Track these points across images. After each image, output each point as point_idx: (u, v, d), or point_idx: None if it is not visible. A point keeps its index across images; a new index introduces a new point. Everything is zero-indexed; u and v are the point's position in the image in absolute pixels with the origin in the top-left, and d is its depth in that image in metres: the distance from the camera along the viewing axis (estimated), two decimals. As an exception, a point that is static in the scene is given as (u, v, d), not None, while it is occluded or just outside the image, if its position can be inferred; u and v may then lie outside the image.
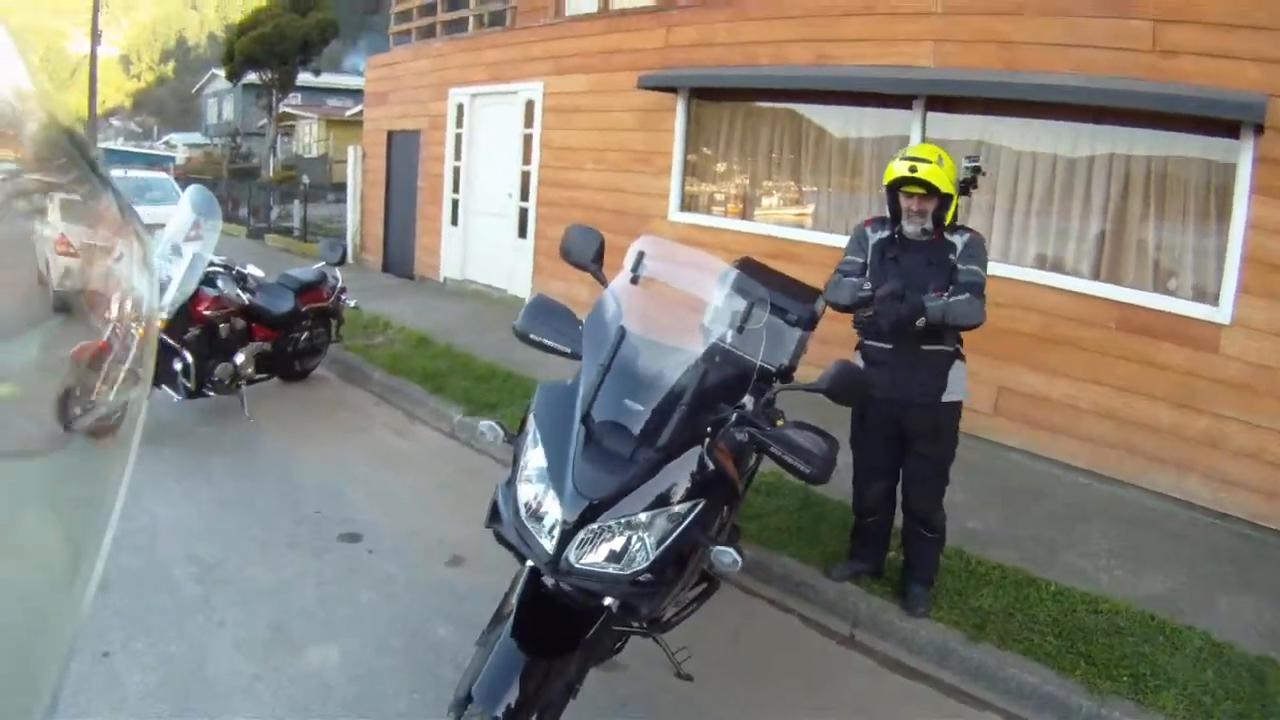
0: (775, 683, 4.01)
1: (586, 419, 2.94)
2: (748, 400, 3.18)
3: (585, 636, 2.91)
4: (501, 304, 11.74)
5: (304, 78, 31.66)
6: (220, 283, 7.12)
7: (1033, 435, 6.85)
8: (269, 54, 28.37)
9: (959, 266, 4.02)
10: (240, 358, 7.25)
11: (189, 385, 6.91)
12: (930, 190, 3.98)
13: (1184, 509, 6.10)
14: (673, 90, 9.33)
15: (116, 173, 15.55)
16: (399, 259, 14.47)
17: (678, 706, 3.71)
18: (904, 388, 4.13)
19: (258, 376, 7.57)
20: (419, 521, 5.54)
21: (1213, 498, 6.07)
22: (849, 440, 4.42)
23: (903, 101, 7.35)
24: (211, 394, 7.16)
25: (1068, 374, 6.73)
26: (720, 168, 9.47)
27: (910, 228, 4.11)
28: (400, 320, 10.25)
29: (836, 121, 8.31)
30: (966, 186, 4.28)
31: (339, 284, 8.24)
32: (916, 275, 4.02)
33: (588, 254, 3.52)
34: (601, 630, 2.96)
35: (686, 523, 2.85)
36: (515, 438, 3.16)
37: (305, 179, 23.95)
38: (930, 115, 7.25)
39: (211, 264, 7.14)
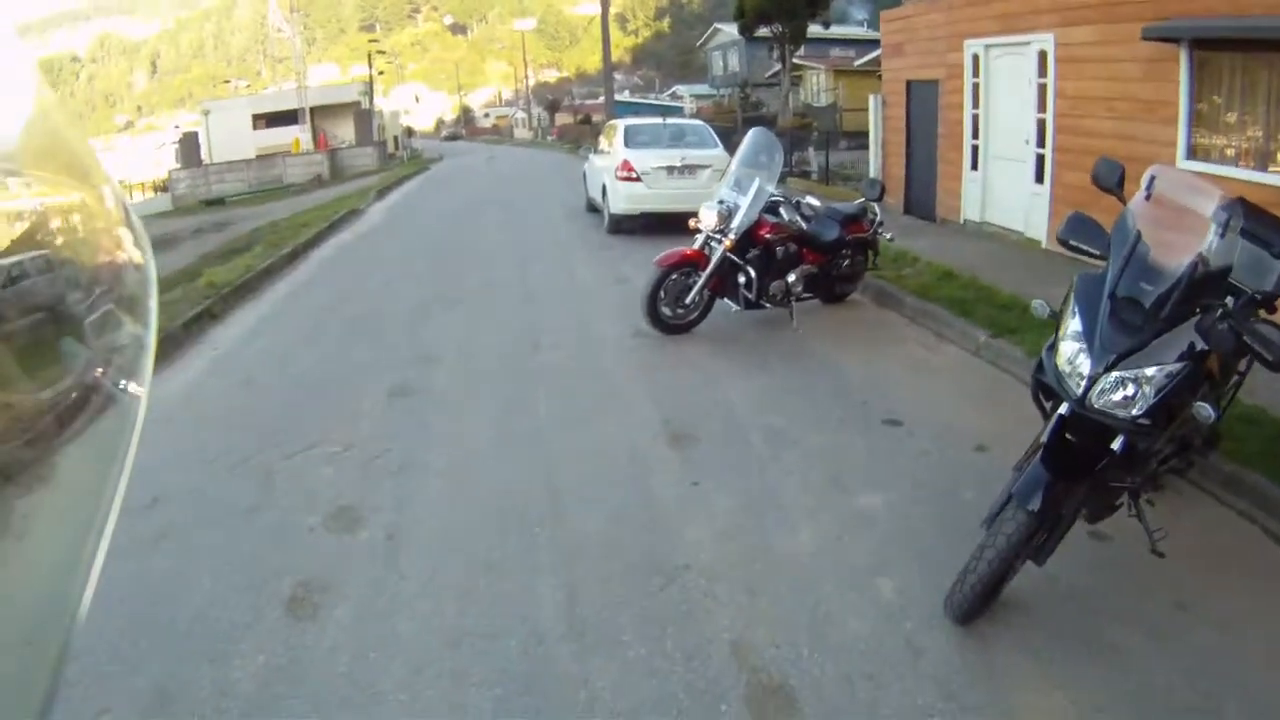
0: (1231, 576, 4.62)
1: (1112, 296, 3.98)
2: (1230, 301, 4.07)
3: (1095, 469, 3.94)
4: (1018, 246, 12.44)
5: (811, 29, 33.32)
6: (782, 210, 8.65)
7: None
8: (778, 9, 30.23)
9: None
10: (792, 276, 8.70)
11: (749, 297, 8.51)
12: None
13: None
14: (1175, 41, 9.46)
15: (654, 120, 17.54)
16: (920, 201, 15.53)
17: (1147, 574, 4.50)
18: None
19: (804, 295, 9.00)
20: (950, 416, 6.64)
21: None
22: None
23: None
24: (766, 306, 8.72)
25: None
26: (1225, 117, 9.48)
27: None
28: (925, 256, 11.31)
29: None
30: None
31: (878, 218, 9.43)
32: None
33: (1112, 180, 4.56)
34: (1108, 469, 3.96)
35: (1177, 380, 3.81)
36: (1057, 313, 4.28)
37: (816, 127, 25.60)
38: None
39: (772, 195, 8.56)
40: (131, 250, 1.21)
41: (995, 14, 13.03)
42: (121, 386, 1.12)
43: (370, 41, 65.54)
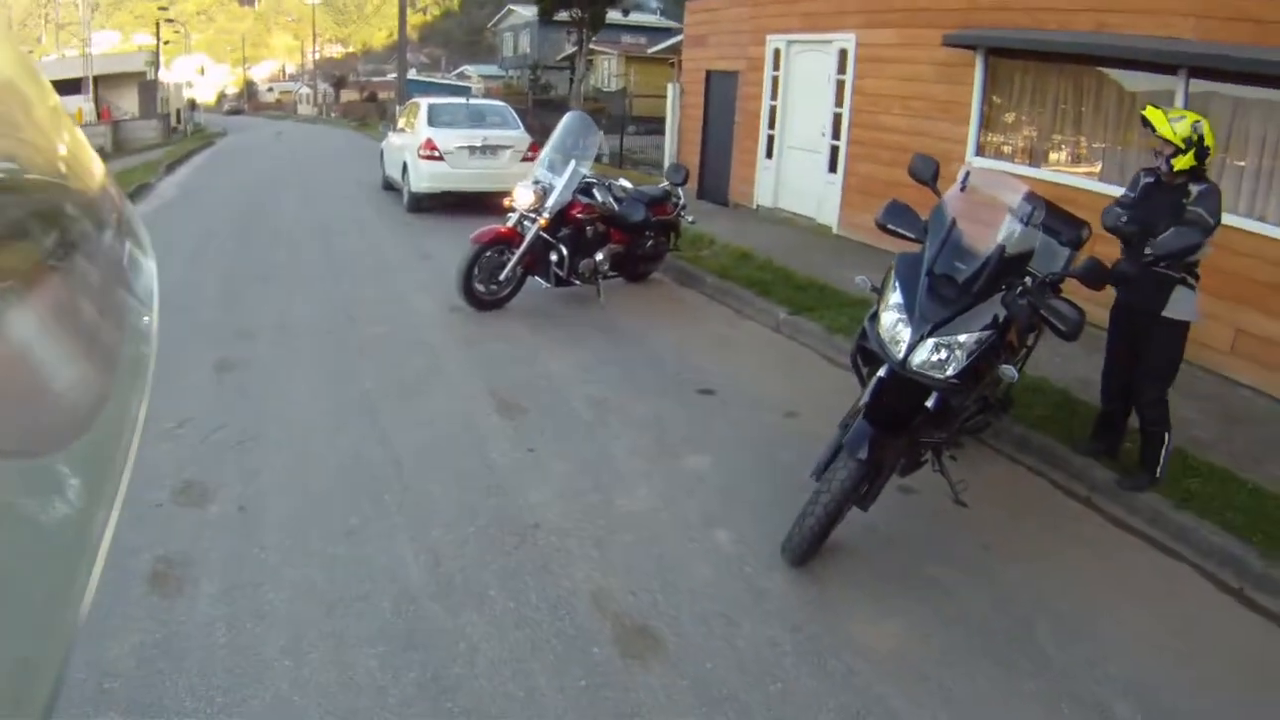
0: (1027, 521, 5.22)
1: (930, 274, 4.44)
2: (1029, 280, 4.61)
3: (911, 424, 4.39)
4: (810, 231, 13.13)
5: (609, 16, 33.77)
6: (596, 192, 8.87)
7: (1265, 375, 7.29)
8: (580, -6, 30.46)
9: (1188, 208, 5.02)
10: (600, 255, 8.95)
11: (560, 274, 8.70)
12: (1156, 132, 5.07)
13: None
14: (972, 48, 10.29)
15: (457, 100, 17.57)
16: (713, 186, 16.04)
17: (950, 523, 5.01)
18: (1137, 298, 5.25)
19: (610, 274, 9.28)
20: (759, 387, 7.04)
21: None
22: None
23: (1169, 69, 8.12)
24: (576, 283, 8.91)
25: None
26: (1012, 119, 10.47)
27: (1156, 163, 5.20)
28: (723, 239, 11.77)
29: (1113, 82, 9.16)
30: (1198, 154, 5.06)
31: (682, 201, 9.75)
32: (1156, 211, 5.11)
33: (928, 174, 4.98)
34: (922, 425, 4.43)
35: (986, 345, 4.31)
36: (878, 288, 4.70)
37: (607, 112, 26.08)
38: (1193, 81, 7.95)
39: (586, 177, 8.75)
40: (113, 182, 1.18)
41: (800, 12, 13.63)
42: (145, 322, 1.10)
43: (160, 9, 61.47)
